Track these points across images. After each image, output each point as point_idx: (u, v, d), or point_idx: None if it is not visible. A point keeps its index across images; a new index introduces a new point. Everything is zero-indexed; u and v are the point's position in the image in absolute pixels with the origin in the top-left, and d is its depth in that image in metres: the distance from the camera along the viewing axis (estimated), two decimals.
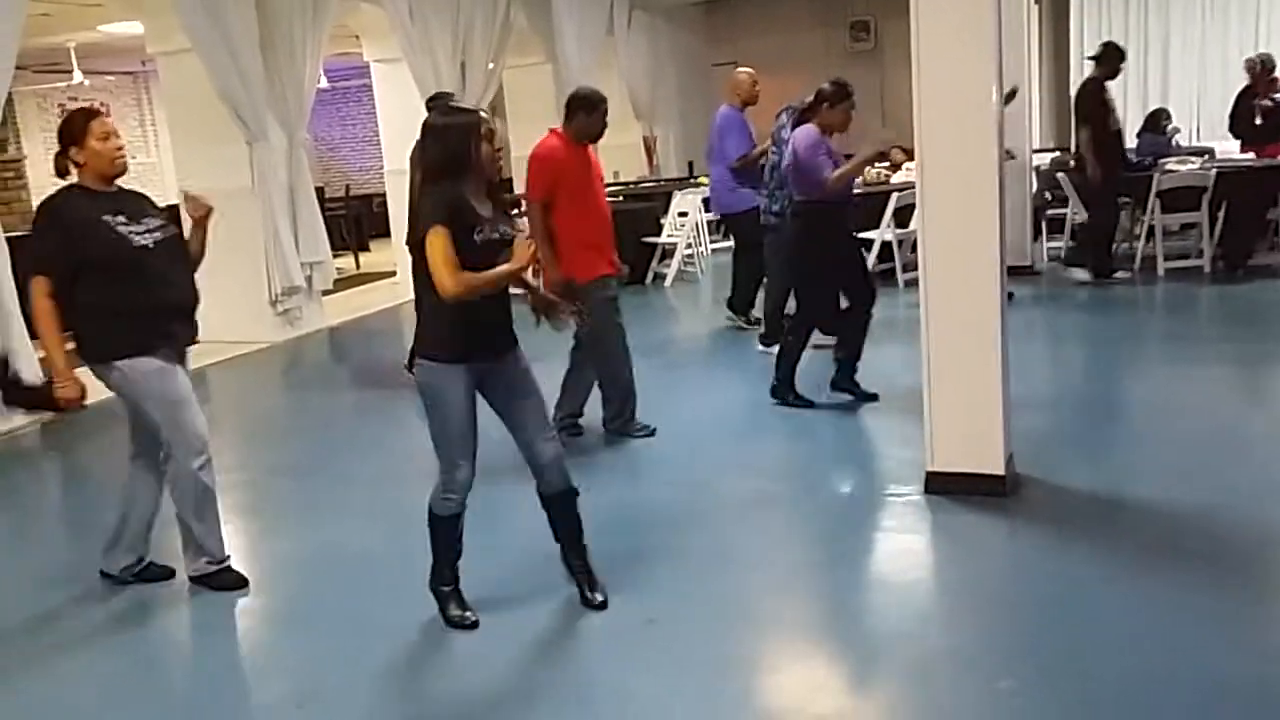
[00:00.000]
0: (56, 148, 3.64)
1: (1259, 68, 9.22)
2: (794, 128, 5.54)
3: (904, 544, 4.00)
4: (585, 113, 5.03)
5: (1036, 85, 12.66)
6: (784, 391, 5.60)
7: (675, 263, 10.16)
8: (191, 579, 3.86)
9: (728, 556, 3.83)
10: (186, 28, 7.51)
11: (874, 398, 5.55)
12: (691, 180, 11.24)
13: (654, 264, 10.24)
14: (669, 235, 10.31)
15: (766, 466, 4.82)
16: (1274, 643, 3.03)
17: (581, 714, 2.94)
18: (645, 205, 10.83)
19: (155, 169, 15.99)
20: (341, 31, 10.26)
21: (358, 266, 13.48)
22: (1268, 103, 9.10)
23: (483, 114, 3.31)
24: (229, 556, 3.90)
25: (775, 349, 6.02)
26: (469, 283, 3.09)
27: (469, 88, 10.78)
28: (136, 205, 3.70)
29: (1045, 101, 13.56)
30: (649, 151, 13.51)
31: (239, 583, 3.85)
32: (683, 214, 10.36)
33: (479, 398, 3.29)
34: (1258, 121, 9.15)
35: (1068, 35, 12.60)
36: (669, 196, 10.52)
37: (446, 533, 3.38)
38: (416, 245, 3.14)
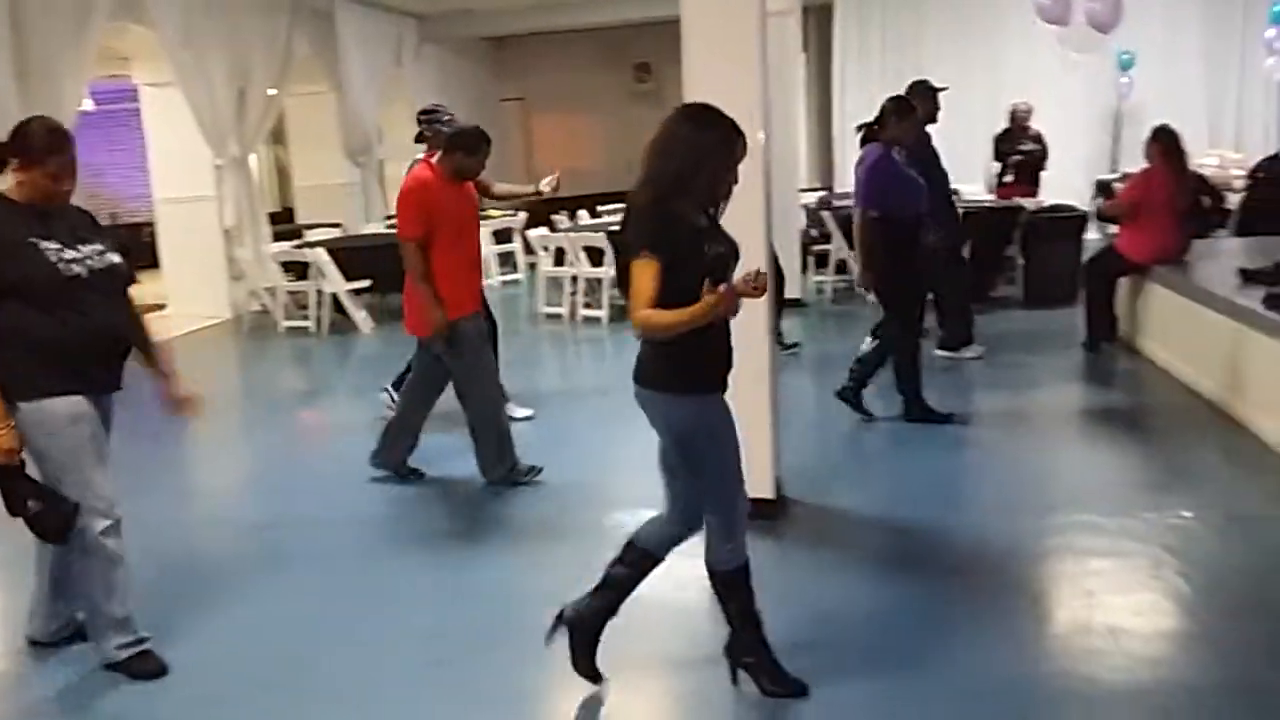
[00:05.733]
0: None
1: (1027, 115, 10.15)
2: (861, 146, 5.70)
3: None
4: (465, 154, 4.88)
5: (804, 129, 13.50)
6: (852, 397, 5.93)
7: None
8: (106, 667, 3.33)
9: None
10: None
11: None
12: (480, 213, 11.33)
13: None
14: None
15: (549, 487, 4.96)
16: (1015, 649, 3.37)
17: None
18: None
19: None
20: (109, 53, 9.81)
21: None
22: (1024, 148, 10.08)
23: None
24: (148, 637, 3.42)
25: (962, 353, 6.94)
26: (653, 321, 2.70)
27: (248, 115, 10.54)
28: (71, 225, 3.27)
29: (810, 144, 14.49)
30: None
31: (161, 669, 3.36)
32: None
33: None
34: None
35: (830, 84, 13.53)
36: None
37: (748, 585, 2.99)
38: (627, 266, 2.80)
